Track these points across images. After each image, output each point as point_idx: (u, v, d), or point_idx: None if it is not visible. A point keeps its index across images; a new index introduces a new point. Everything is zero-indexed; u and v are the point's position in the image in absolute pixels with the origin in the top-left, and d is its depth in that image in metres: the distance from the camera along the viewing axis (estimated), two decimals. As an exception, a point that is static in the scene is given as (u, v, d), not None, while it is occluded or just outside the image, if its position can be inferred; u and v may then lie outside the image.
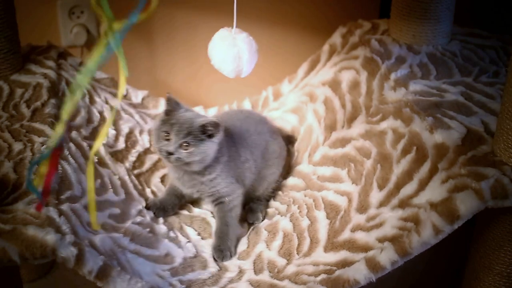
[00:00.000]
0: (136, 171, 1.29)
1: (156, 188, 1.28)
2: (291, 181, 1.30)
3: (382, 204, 1.09)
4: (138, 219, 1.16)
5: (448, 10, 1.39)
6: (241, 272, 1.11)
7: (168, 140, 1.10)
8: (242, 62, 1.07)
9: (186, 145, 1.09)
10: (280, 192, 1.29)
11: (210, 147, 1.12)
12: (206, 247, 1.16)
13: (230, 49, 1.07)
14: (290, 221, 1.19)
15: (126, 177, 1.24)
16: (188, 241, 1.16)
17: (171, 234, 1.17)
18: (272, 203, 1.28)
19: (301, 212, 1.19)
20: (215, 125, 1.11)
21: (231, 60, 1.06)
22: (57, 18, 1.58)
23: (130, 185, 1.23)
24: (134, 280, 0.94)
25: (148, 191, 1.27)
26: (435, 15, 1.38)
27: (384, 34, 1.46)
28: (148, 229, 1.14)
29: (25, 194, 0.97)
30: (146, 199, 1.23)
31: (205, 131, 1.11)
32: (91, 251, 0.92)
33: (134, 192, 1.22)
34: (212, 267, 1.11)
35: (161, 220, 1.20)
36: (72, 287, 1.35)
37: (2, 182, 0.99)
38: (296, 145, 1.39)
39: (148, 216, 1.19)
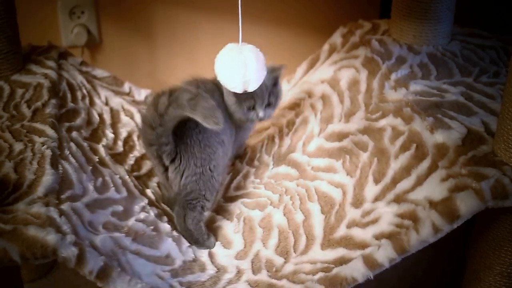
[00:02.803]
0: (134, 174, 1.29)
1: (155, 191, 1.28)
2: (283, 169, 1.29)
3: (377, 198, 1.09)
4: (142, 215, 1.15)
5: (448, 10, 1.39)
6: (239, 272, 1.11)
7: (253, 109, 1.19)
8: (248, 71, 1.07)
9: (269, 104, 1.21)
10: (272, 181, 1.28)
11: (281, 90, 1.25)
12: (204, 252, 1.16)
13: (236, 56, 1.08)
14: (284, 215, 1.18)
15: (127, 177, 1.24)
16: (189, 246, 1.16)
17: (174, 233, 1.17)
18: (264, 192, 1.26)
19: (294, 204, 1.19)
20: (279, 66, 1.22)
21: (237, 69, 1.07)
22: (57, 18, 1.59)
23: (131, 184, 1.23)
24: (134, 281, 0.94)
25: (148, 191, 1.26)
26: (435, 15, 1.38)
27: (384, 34, 1.46)
28: (152, 227, 1.14)
29: (25, 194, 0.97)
30: (148, 198, 1.23)
31: (276, 82, 1.22)
32: (91, 251, 0.92)
33: (135, 191, 1.22)
34: (211, 269, 1.12)
35: (165, 218, 1.20)
36: (72, 287, 1.35)
37: (3, 182, 0.99)
38: (291, 134, 1.37)
39: (152, 212, 1.18)
